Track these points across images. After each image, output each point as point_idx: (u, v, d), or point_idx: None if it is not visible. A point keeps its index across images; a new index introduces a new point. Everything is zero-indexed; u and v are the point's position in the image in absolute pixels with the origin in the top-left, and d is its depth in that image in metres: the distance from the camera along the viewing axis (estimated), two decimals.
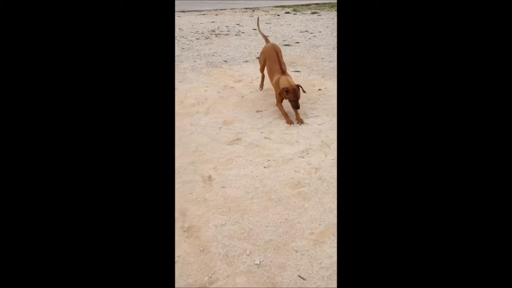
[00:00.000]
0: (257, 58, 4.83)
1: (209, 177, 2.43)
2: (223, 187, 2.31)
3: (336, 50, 5.74)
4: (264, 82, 4.05)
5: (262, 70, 3.95)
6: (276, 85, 3.42)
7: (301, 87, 3.30)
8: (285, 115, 3.31)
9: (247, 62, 5.15)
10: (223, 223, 1.99)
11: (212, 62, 5.26)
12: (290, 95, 3.22)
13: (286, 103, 3.42)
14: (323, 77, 4.51)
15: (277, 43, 6.29)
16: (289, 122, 3.23)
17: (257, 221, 2.00)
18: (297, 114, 3.29)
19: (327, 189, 2.28)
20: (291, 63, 5.11)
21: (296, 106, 3.24)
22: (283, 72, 3.48)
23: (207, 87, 4.21)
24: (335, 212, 2.06)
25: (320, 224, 1.97)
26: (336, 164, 2.55)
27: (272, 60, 3.58)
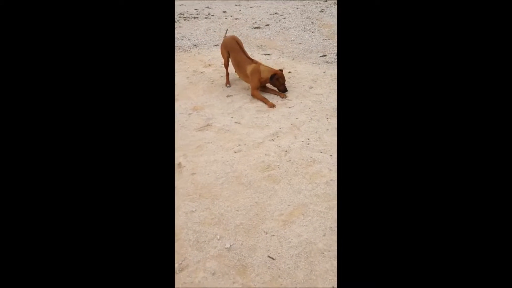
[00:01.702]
0: None
1: (179, 164, 2.41)
2: (193, 174, 2.31)
3: (305, 32, 5.74)
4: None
5: (226, 66, 3.72)
6: (254, 74, 3.41)
7: (282, 70, 3.47)
8: (265, 99, 3.34)
9: (217, 46, 5.06)
10: (193, 209, 1.99)
11: (181, 46, 5.14)
12: (280, 79, 3.39)
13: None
14: (293, 59, 4.51)
15: (247, 26, 6.22)
16: (272, 105, 3.25)
17: (227, 206, 2.02)
18: (279, 93, 3.46)
19: (296, 171, 2.31)
20: (261, 46, 5.07)
21: (284, 89, 3.45)
22: (253, 60, 3.49)
23: (176, 72, 4.12)
24: (304, 192, 2.11)
25: (289, 205, 2.02)
26: (305, 145, 2.59)
27: (235, 51, 3.56)
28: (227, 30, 4.72)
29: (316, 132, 2.78)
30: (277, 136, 2.74)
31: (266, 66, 3.45)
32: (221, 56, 3.84)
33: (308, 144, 2.62)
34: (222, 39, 3.92)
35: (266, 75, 3.39)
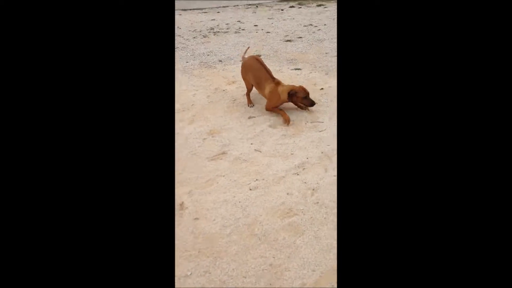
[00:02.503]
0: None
1: (181, 204, 1.99)
2: (196, 218, 1.87)
3: None
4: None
5: (249, 91, 3.31)
6: (272, 95, 3.01)
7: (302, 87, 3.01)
8: (281, 112, 2.98)
9: None
10: (188, 273, 1.54)
11: (206, 62, 4.82)
12: (299, 94, 2.93)
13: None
14: (327, 74, 4.01)
15: (278, 39, 5.83)
16: (288, 119, 2.88)
17: (233, 269, 1.55)
18: (305, 108, 3.07)
19: (325, 218, 1.80)
20: (291, 60, 4.63)
21: (311, 103, 2.95)
22: (274, 79, 3.07)
23: (196, 90, 3.77)
24: (335, 251, 1.59)
25: (314, 271, 1.51)
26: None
27: (256, 69, 3.15)
28: (247, 48, 4.28)
29: None
30: (303, 169, 2.25)
31: (284, 86, 2.98)
32: None
33: None
34: (256, 52, 3.50)
35: (285, 96, 2.95)
